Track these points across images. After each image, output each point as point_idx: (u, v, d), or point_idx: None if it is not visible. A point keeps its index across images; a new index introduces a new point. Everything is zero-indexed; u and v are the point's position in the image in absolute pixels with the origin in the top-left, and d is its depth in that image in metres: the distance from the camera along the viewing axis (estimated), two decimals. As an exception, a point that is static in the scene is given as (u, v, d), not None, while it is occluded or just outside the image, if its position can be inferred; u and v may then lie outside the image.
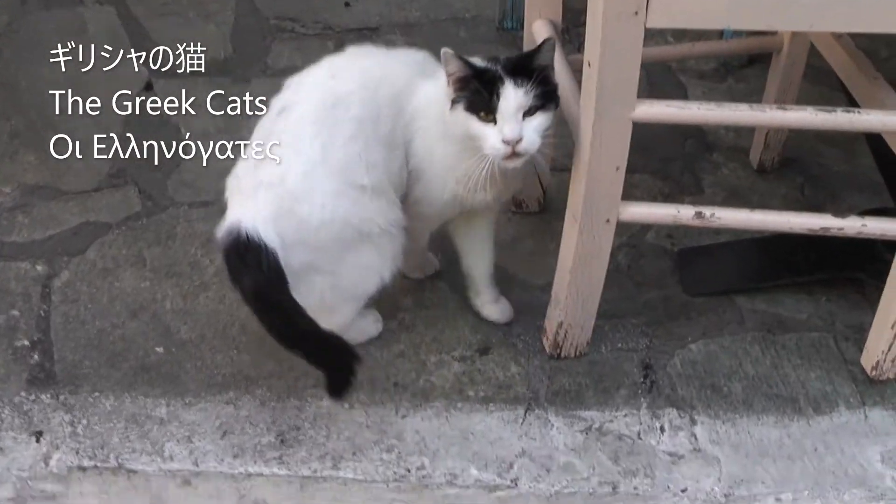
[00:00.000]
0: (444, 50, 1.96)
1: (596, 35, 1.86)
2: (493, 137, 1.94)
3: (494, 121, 1.94)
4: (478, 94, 1.95)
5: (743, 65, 3.23)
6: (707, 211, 2.10)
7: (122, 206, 2.61)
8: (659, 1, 1.82)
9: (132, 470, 2.05)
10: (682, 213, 2.11)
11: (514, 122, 1.93)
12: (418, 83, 2.11)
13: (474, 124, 1.96)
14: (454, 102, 1.98)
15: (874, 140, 2.48)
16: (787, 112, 2.10)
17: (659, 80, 3.09)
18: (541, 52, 1.97)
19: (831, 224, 2.12)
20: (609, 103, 1.94)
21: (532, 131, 1.95)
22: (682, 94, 3.10)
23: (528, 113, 1.95)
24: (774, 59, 2.67)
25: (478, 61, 2.00)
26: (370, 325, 2.31)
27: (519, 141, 1.93)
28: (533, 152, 1.96)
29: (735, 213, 2.18)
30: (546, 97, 1.97)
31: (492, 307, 2.35)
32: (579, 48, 3.05)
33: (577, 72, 2.10)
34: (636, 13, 1.83)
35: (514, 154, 1.95)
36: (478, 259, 2.31)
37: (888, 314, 2.22)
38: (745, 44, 2.91)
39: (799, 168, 2.87)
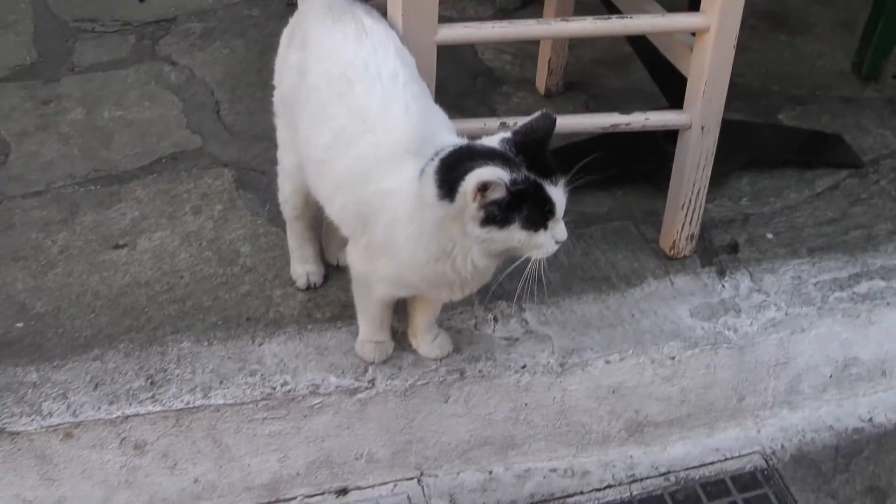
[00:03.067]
0: (482, 179, 1.74)
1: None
2: (548, 243, 1.82)
3: (546, 227, 1.82)
4: (536, 208, 1.78)
5: (517, 7, 3.52)
6: (510, 120, 2.32)
7: (-45, 207, 2.67)
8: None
9: (14, 432, 2.13)
10: (488, 125, 2.32)
11: (562, 221, 1.84)
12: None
13: (527, 236, 1.81)
14: (501, 223, 1.78)
15: (644, 52, 2.74)
16: (570, 23, 2.41)
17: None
18: (540, 125, 1.85)
19: (619, 121, 2.41)
20: (414, 28, 2.15)
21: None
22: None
23: None
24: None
25: (501, 171, 1.76)
26: None
27: None
28: None
29: (536, 122, 2.42)
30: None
31: (428, 346, 2.31)
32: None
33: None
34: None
35: None
36: (424, 310, 2.26)
37: (677, 197, 2.51)
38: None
39: (581, 89, 3.17)
